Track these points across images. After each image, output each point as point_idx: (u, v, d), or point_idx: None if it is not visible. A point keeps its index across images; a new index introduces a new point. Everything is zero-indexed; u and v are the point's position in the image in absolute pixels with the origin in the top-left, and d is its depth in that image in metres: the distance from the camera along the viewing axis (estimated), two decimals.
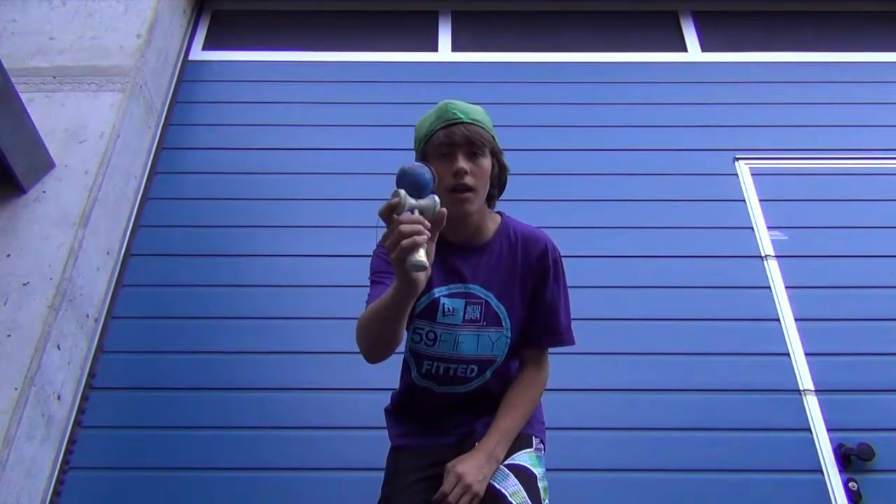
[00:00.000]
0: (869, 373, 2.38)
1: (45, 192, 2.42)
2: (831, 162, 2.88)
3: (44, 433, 2.13)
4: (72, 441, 2.25)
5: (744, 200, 2.78)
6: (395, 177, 1.18)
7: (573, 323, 1.53)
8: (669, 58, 3.25)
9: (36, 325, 2.14)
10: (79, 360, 2.34)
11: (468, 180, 1.37)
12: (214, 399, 2.34)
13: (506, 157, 1.50)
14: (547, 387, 1.54)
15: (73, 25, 2.89)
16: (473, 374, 1.47)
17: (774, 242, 2.67)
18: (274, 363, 2.41)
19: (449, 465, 1.37)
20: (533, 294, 1.47)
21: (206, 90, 3.14)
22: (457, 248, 1.45)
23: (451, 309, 1.44)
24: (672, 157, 2.90)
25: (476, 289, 1.45)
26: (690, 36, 3.34)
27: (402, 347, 1.44)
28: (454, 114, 1.40)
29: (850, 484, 2.18)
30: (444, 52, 3.29)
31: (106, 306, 2.50)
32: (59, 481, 2.18)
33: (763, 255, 2.64)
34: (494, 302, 1.45)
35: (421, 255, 1.10)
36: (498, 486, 1.35)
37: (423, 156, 1.44)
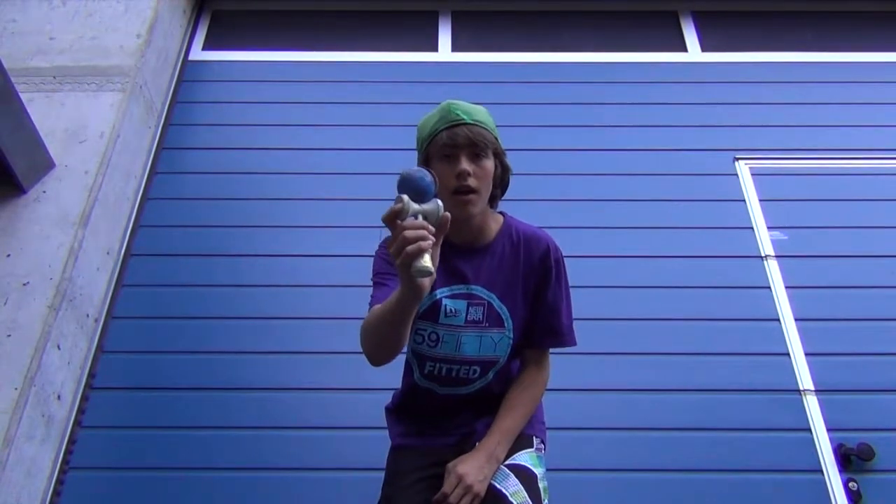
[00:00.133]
0: (869, 373, 2.38)
1: (45, 192, 2.42)
2: (831, 162, 2.88)
3: (44, 433, 2.12)
4: (72, 441, 2.25)
5: (744, 200, 2.78)
6: (396, 181, 1.17)
7: (574, 323, 1.52)
8: (669, 58, 3.25)
9: (36, 325, 2.14)
10: (79, 360, 2.34)
11: (471, 182, 1.37)
12: (214, 399, 2.34)
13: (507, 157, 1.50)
14: (547, 387, 1.53)
15: (73, 25, 2.89)
16: (476, 375, 1.47)
17: (774, 242, 2.67)
18: (274, 363, 2.41)
19: (450, 465, 1.37)
20: (535, 294, 1.47)
21: (206, 90, 3.14)
22: (459, 249, 1.45)
23: (453, 310, 1.44)
24: (672, 157, 2.90)
25: (478, 290, 1.45)
26: (690, 36, 3.34)
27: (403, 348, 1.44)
28: (457, 115, 1.40)
29: (850, 484, 2.18)
30: (444, 52, 3.29)
31: (106, 306, 2.50)
32: (59, 481, 2.18)
33: (763, 255, 2.65)
34: (497, 303, 1.45)
35: (426, 261, 1.10)
36: (499, 487, 1.35)
37: (425, 156, 1.43)
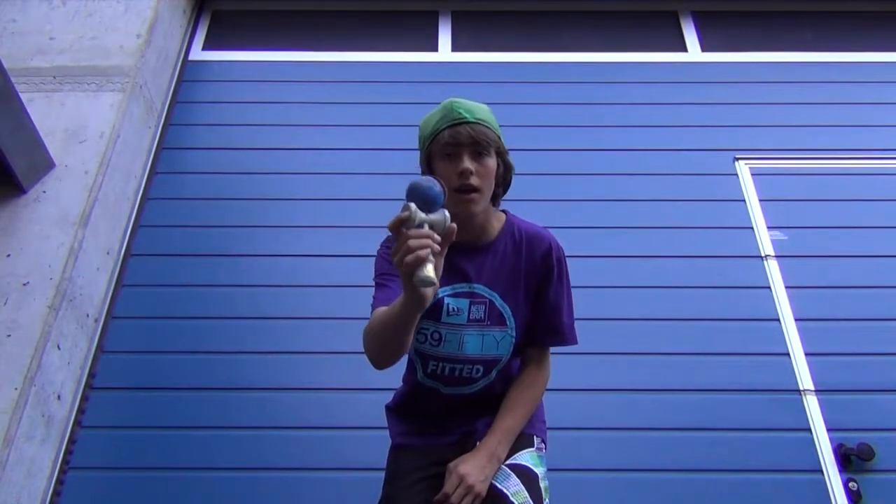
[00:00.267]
0: (869, 373, 2.38)
1: (45, 192, 2.41)
2: (831, 162, 2.88)
3: (44, 433, 2.12)
4: (72, 441, 2.25)
5: (744, 200, 2.79)
6: (403, 187, 1.15)
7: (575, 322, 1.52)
8: (669, 58, 3.25)
9: (36, 325, 2.14)
10: (79, 360, 2.34)
11: (473, 181, 1.37)
12: (214, 399, 2.34)
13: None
14: (547, 387, 1.53)
15: (73, 25, 2.89)
16: (479, 374, 1.47)
17: (774, 242, 2.67)
18: (274, 363, 2.41)
19: (451, 465, 1.37)
20: (537, 293, 1.47)
21: (206, 90, 3.14)
22: (461, 248, 1.43)
23: (455, 309, 1.43)
24: (672, 157, 2.91)
25: (480, 288, 1.45)
26: (690, 36, 3.34)
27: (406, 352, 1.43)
28: (459, 113, 1.39)
29: (850, 484, 2.18)
30: (444, 52, 3.29)
31: (106, 306, 2.50)
32: (59, 481, 2.18)
33: (763, 255, 2.65)
34: (499, 301, 1.45)
35: (429, 271, 1.08)
36: (500, 486, 1.35)
37: (427, 155, 1.43)
